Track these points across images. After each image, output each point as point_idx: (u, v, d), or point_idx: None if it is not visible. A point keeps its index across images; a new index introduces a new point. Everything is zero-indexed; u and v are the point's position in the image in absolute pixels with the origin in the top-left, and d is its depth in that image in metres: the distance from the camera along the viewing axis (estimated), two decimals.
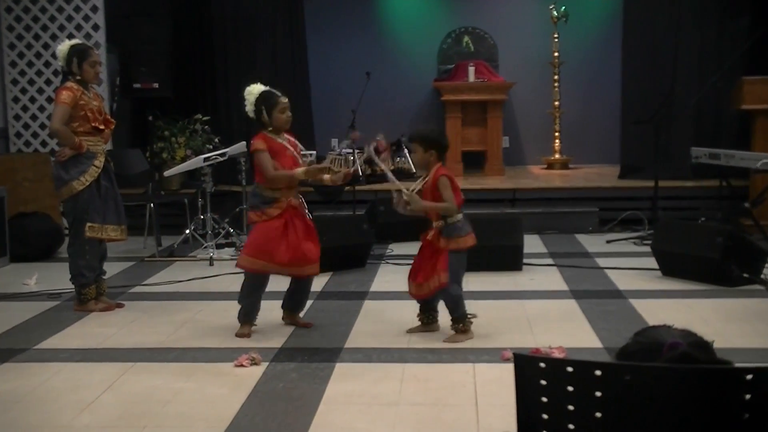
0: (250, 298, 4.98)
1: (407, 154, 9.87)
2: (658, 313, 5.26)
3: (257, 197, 4.92)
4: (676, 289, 6.01)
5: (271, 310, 5.33)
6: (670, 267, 6.34)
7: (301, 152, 5.06)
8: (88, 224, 5.51)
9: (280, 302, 5.17)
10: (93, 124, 5.51)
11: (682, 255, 6.20)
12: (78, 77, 5.49)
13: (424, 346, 4.69)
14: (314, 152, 8.73)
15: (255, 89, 4.91)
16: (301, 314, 5.19)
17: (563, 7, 10.59)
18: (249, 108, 4.90)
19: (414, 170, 9.73)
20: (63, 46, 5.57)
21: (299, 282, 5.03)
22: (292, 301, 5.13)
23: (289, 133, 5.03)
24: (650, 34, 9.46)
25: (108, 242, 5.75)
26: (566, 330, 4.97)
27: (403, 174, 9.70)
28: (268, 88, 4.95)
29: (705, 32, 9.29)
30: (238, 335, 4.92)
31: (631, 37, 9.63)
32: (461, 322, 4.78)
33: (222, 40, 9.95)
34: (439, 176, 4.68)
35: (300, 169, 4.84)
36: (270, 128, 4.90)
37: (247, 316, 4.99)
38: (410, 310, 5.40)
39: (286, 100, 4.91)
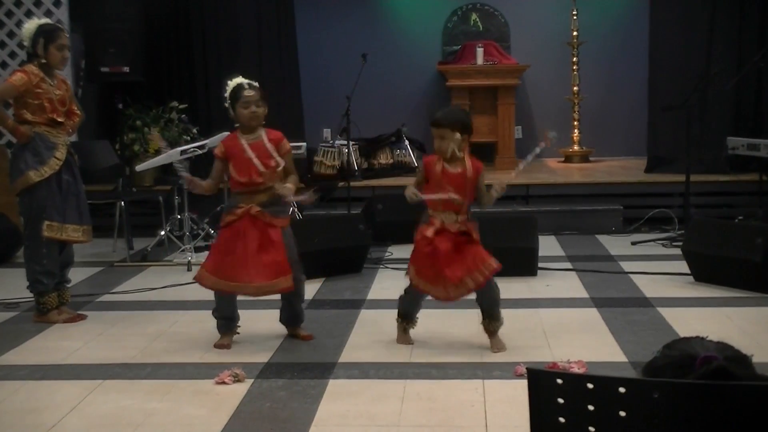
0: (222, 309, 5.01)
1: (408, 146, 9.89)
2: (690, 323, 5.27)
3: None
4: (711, 296, 6.01)
5: (256, 321, 5.33)
6: (703, 272, 6.34)
7: (288, 151, 5.01)
8: (46, 223, 5.50)
9: (266, 311, 5.16)
10: (50, 116, 5.50)
11: (717, 258, 6.20)
12: (43, 60, 5.49)
13: (428, 360, 4.69)
14: (304, 144, 8.75)
15: (231, 82, 4.98)
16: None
17: None
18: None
19: (415, 164, 9.76)
20: (29, 25, 5.58)
21: (282, 296, 5.04)
22: (286, 315, 5.15)
23: (270, 131, 4.99)
24: (681, 8, 9.44)
25: (69, 244, 5.74)
26: (586, 342, 4.97)
27: (403, 168, 9.73)
28: (241, 80, 4.97)
29: (745, 5, 9.27)
30: (217, 346, 4.94)
31: (659, 12, 9.62)
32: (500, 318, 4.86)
33: (200, 18, 9.94)
34: (480, 167, 4.77)
35: (205, 182, 5.05)
36: (237, 125, 4.97)
37: (226, 324, 4.99)
38: None
39: (252, 93, 4.90)
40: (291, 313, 5.13)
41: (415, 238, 4.81)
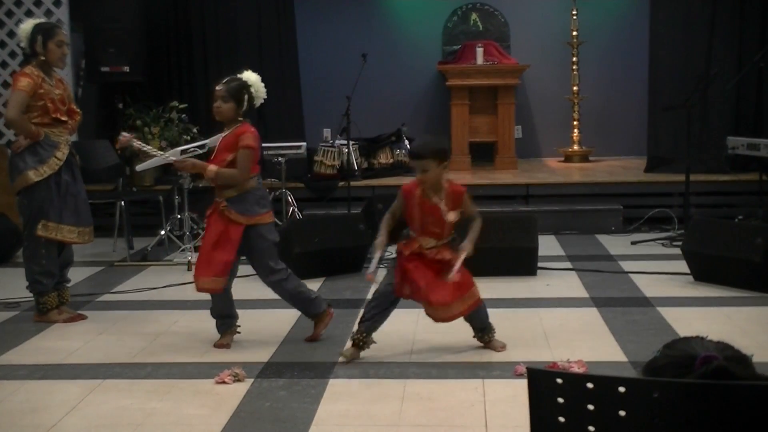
0: (217, 307, 5.03)
1: (408, 146, 9.88)
2: (690, 322, 5.27)
3: None
4: (711, 296, 6.01)
5: (257, 320, 5.33)
6: (703, 271, 6.34)
7: (244, 146, 4.90)
8: (42, 222, 5.50)
9: (267, 311, 5.16)
10: (54, 116, 5.50)
11: (717, 258, 6.20)
12: (42, 58, 5.48)
13: (428, 360, 4.69)
14: (304, 143, 8.74)
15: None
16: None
17: None
18: None
19: None
20: (26, 25, 5.58)
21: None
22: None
23: (240, 127, 4.93)
24: (682, 8, 9.42)
25: (67, 245, 5.74)
26: (586, 342, 4.97)
27: (403, 168, 9.73)
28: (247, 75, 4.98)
29: (745, 5, 9.27)
30: (217, 346, 4.94)
31: (659, 12, 9.61)
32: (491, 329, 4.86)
33: (200, 17, 9.93)
34: (464, 192, 4.69)
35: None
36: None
37: (225, 323, 4.99)
38: (412, 320, 5.40)
39: (219, 88, 4.91)
40: (298, 307, 5.10)
41: (397, 252, 4.73)
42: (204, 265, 4.88)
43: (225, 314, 5.02)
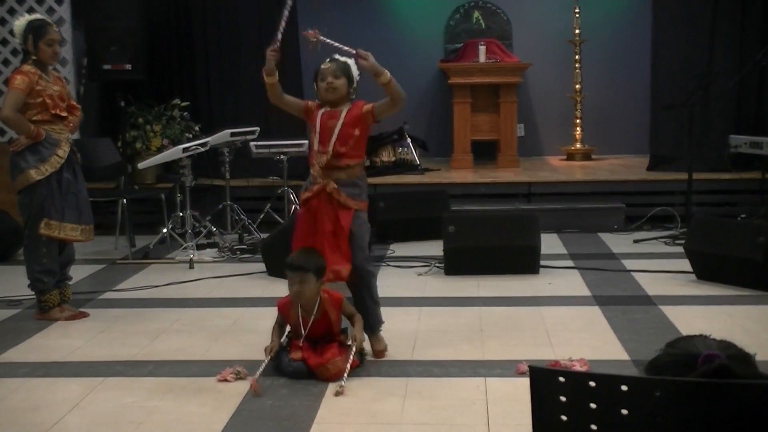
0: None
1: (410, 144, 9.89)
2: (692, 321, 5.26)
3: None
4: (713, 294, 6.01)
5: (258, 318, 5.33)
6: (705, 270, 6.33)
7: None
8: (44, 220, 5.50)
9: (268, 309, 5.12)
10: (53, 112, 5.50)
11: (719, 256, 6.19)
12: (34, 57, 5.48)
13: (430, 358, 4.68)
14: (306, 141, 8.72)
15: None
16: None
17: None
18: None
19: (417, 162, 9.76)
20: (20, 22, 5.58)
21: (351, 291, 4.84)
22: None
23: (342, 106, 4.77)
24: (684, 6, 9.42)
25: (68, 243, 5.74)
26: (589, 340, 4.97)
27: (405, 166, 9.73)
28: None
29: (747, 3, 9.26)
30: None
31: (662, 11, 9.60)
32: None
33: (202, 15, 9.93)
34: (341, 300, 4.55)
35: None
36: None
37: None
38: (414, 318, 5.41)
39: (324, 67, 4.76)
40: (362, 314, 4.71)
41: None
42: (337, 252, 4.57)
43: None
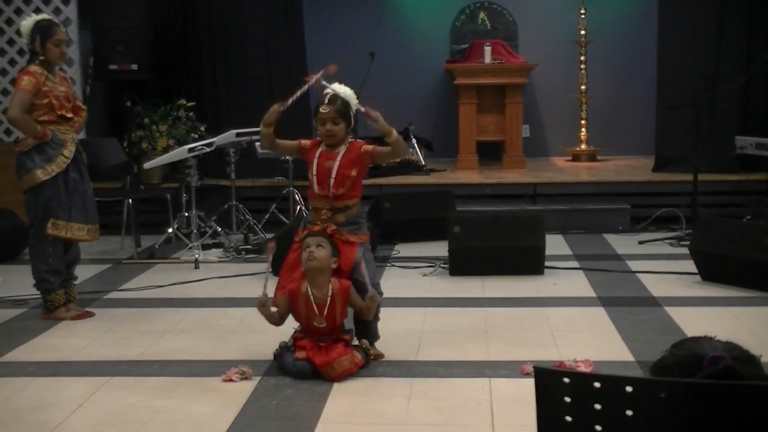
0: None
1: (415, 145, 9.89)
2: (697, 322, 5.25)
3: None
4: (719, 295, 6.00)
5: (262, 319, 5.31)
6: (711, 271, 6.32)
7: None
8: (51, 221, 5.51)
9: (273, 309, 5.12)
10: (59, 112, 5.51)
11: (725, 257, 6.18)
12: (42, 58, 5.49)
13: (434, 359, 4.68)
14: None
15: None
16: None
17: None
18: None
19: (423, 163, 9.75)
20: (27, 22, 5.58)
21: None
22: (357, 330, 4.82)
23: (340, 147, 4.73)
24: (690, 7, 9.41)
25: (73, 243, 5.75)
26: (593, 341, 4.96)
27: (410, 167, 9.73)
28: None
29: (754, 4, 9.24)
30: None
31: (668, 11, 9.59)
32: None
33: (208, 15, 9.93)
34: (349, 287, 4.54)
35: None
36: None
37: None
38: (419, 318, 5.41)
39: (323, 110, 4.66)
40: (362, 326, 4.74)
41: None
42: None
43: None
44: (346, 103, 4.68)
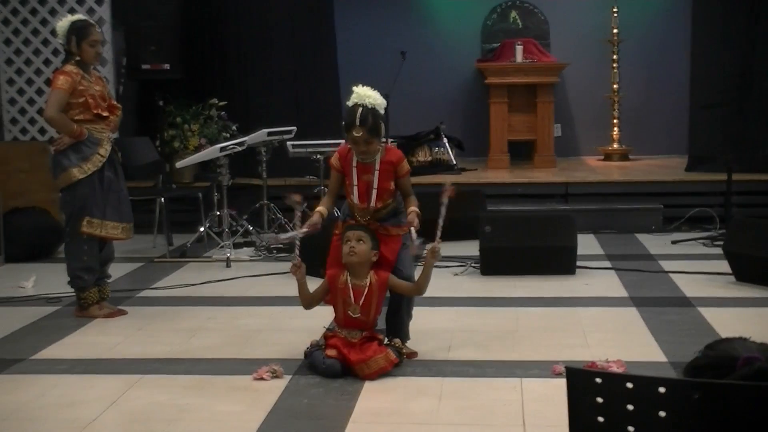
0: None
1: (446, 144, 9.88)
2: (731, 323, 5.20)
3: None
4: (753, 296, 5.94)
5: (293, 317, 5.34)
6: (745, 271, 6.26)
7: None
8: (87, 219, 5.54)
9: (301, 307, 5.12)
10: (95, 111, 5.55)
11: (759, 258, 6.11)
12: (77, 58, 5.53)
13: (465, 358, 4.67)
14: (342, 141, 8.73)
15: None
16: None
17: None
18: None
19: (454, 162, 9.73)
20: (63, 23, 5.63)
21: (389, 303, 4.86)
22: (389, 326, 4.84)
23: (373, 158, 4.67)
24: (723, 5, 9.33)
25: (110, 241, 5.78)
26: (625, 342, 4.93)
27: (441, 166, 9.72)
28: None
29: None
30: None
31: (701, 9, 9.52)
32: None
33: (238, 15, 9.96)
34: (387, 277, 4.58)
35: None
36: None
37: None
38: (450, 318, 5.40)
39: (356, 133, 4.51)
40: (394, 324, 4.77)
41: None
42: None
43: None
44: (376, 118, 4.56)
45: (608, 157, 10.72)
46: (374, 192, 4.57)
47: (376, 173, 4.58)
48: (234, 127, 9.25)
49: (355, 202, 4.62)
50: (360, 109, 4.54)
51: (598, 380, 1.94)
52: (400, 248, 4.64)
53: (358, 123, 4.49)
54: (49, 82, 8.50)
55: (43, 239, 7.70)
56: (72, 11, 8.38)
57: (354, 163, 4.62)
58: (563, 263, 6.63)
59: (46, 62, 8.97)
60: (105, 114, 5.62)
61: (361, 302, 4.48)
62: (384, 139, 4.77)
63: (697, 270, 6.65)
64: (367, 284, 4.50)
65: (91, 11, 8.79)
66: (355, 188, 4.59)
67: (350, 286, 4.50)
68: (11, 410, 4.06)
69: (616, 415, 1.91)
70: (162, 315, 5.73)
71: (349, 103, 4.66)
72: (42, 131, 8.97)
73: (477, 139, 10.67)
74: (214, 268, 7.12)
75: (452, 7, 11.28)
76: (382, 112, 4.63)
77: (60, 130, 5.60)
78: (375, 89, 4.73)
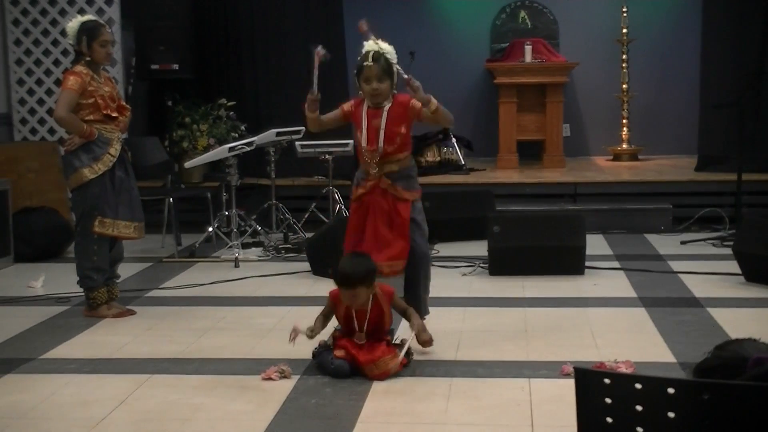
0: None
1: (455, 144, 9.87)
2: (741, 324, 5.18)
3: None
4: (762, 297, 5.92)
5: (302, 317, 5.33)
6: (755, 272, 6.25)
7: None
8: (98, 218, 5.56)
9: (312, 308, 5.12)
10: (105, 112, 5.56)
11: None
12: (88, 58, 5.55)
13: (474, 358, 4.67)
14: (351, 141, 8.75)
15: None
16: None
17: None
18: None
19: (462, 162, 9.73)
20: (73, 23, 5.64)
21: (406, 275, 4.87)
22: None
23: (384, 104, 4.81)
24: (734, 3, 9.30)
25: (120, 240, 5.80)
26: (634, 342, 4.92)
27: (450, 166, 9.71)
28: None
29: None
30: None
31: (712, 8, 9.50)
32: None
33: (248, 15, 9.97)
34: (392, 293, 4.56)
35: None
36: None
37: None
38: (458, 318, 5.39)
39: (367, 64, 4.77)
40: (413, 299, 4.82)
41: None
42: (392, 244, 4.70)
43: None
44: (389, 61, 4.75)
45: (617, 157, 10.70)
46: (382, 133, 4.68)
47: (385, 117, 4.71)
48: (243, 127, 9.27)
49: (364, 145, 4.71)
50: (373, 51, 4.78)
51: (607, 381, 1.94)
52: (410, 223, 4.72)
53: (371, 60, 4.73)
54: (58, 82, 8.55)
55: (52, 239, 7.72)
56: (82, 12, 8.39)
57: (364, 111, 4.76)
58: (572, 263, 6.63)
59: (56, 63, 8.99)
60: (114, 115, 5.64)
61: (365, 326, 4.47)
62: (395, 90, 4.84)
63: (706, 270, 6.64)
64: (374, 306, 4.47)
65: (100, 11, 8.81)
66: (365, 131, 4.71)
67: (355, 314, 4.48)
68: (25, 409, 4.08)
69: (624, 415, 1.91)
70: (171, 315, 5.74)
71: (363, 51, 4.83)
72: (51, 131, 9.00)
73: (486, 139, 10.67)
74: (222, 268, 7.13)
75: (461, 7, 11.28)
76: (395, 66, 4.78)
77: (70, 131, 5.62)
78: None
